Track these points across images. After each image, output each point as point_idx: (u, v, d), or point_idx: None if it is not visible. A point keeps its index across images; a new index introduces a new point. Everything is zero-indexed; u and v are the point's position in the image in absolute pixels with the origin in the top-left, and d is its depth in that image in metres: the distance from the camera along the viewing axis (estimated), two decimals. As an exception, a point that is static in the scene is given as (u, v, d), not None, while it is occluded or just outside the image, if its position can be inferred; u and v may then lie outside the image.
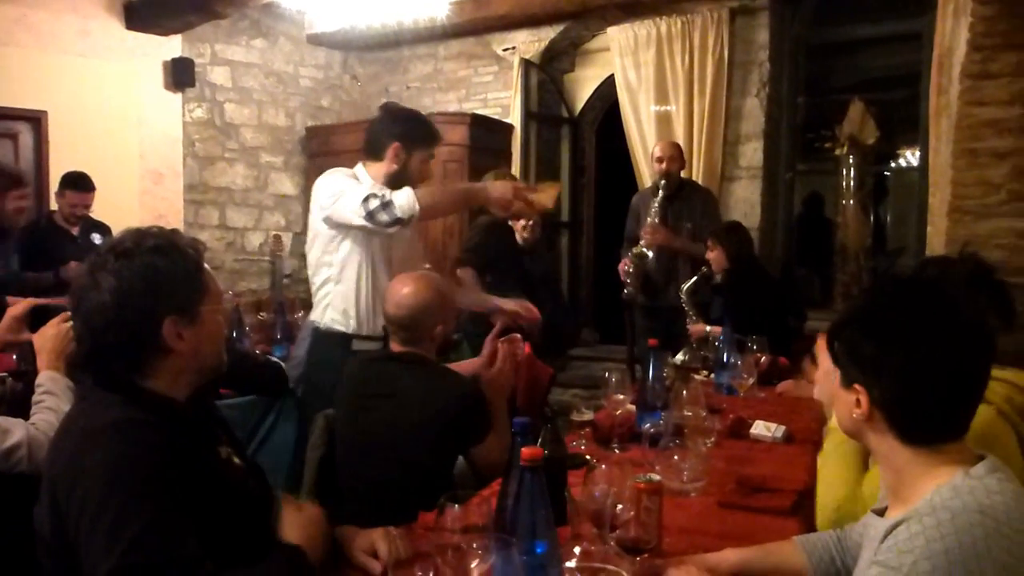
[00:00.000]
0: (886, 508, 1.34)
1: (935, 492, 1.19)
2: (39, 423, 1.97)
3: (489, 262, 4.60)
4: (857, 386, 1.30)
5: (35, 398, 2.06)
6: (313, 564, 1.48)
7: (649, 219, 4.80)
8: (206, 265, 1.59)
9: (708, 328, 4.28)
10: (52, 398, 2.02)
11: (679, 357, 4.21)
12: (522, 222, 5.29)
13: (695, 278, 4.58)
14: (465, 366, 2.86)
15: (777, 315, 4.36)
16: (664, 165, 4.84)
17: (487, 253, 4.60)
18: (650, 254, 4.75)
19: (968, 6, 2.91)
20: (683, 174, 5.16)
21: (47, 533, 1.40)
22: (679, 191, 4.90)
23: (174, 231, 1.58)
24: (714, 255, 4.45)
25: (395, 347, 2.46)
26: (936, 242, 3.61)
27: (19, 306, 2.33)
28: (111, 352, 1.47)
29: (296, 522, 1.55)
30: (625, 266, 4.85)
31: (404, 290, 2.41)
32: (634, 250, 4.81)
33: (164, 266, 1.48)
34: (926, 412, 1.26)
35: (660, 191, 4.82)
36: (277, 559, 1.44)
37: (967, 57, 2.97)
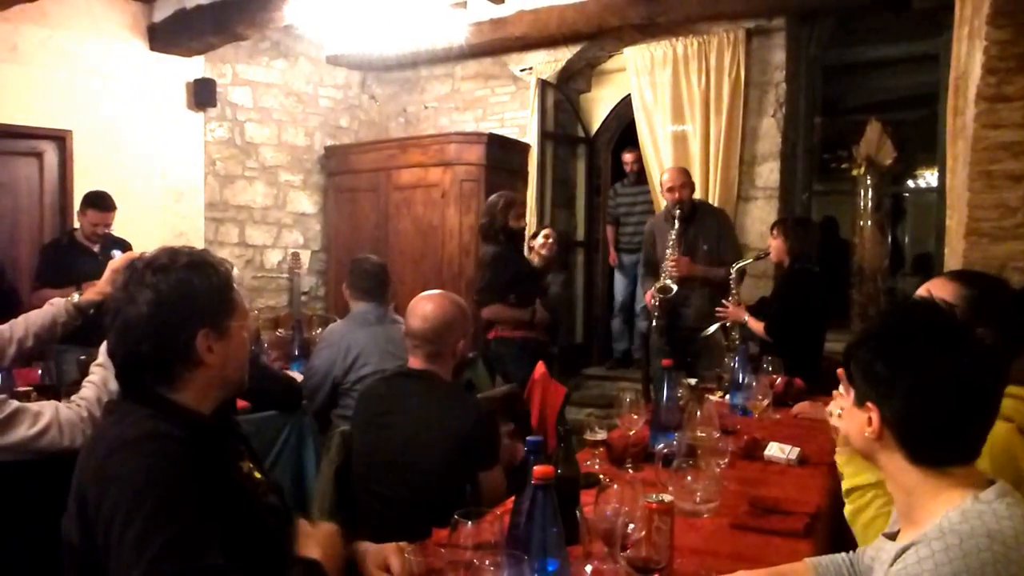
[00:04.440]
0: (898, 532, 1.35)
1: (944, 516, 1.20)
2: (76, 400, 2.06)
3: (508, 287, 4.66)
4: (869, 404, 1.32)
5: (91, 368, 2.15)
6: None
7: (669, 251, 4.81)
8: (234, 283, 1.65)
9: (746, 316, 4.32)
10: (101, 373, 2.10)
11: (711, 329, 4.49)
12: (539, 240, 5.36)
13: (750, 260, 4.68)
14: None
15: (814, 327, 4.33)
16: (676, 194, 4.83)
17: (502, 282, 4.65)
18: (674, 287, 4.78)
19: (983, 29, 2.92)
20: (699, 195, 5.18)
21: (75, 543, 1.43)
22: (692, 214, 4.89)
23: (204, 250, 1.64)
24: (776, 244, 4.44)
25: (414, 363, 2.49)
26: (953, 264, 3.59)
27: (120, 259, 2.41)
28: (145, 364, 1.52)
29: (314, 539, 1.60)
30: (652, 299, 4.88)
31: (428, 305, 2.47)
32: (658, 284, 4.84)
33: (198, 281, 1.54)
34: (935, 433, 1.26)
35: (676, 220, 4.82)
36: (297, 572, 1.47)
37: (982, 80, 2.97)
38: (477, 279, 4.91)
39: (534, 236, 5.62)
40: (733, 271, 4.56)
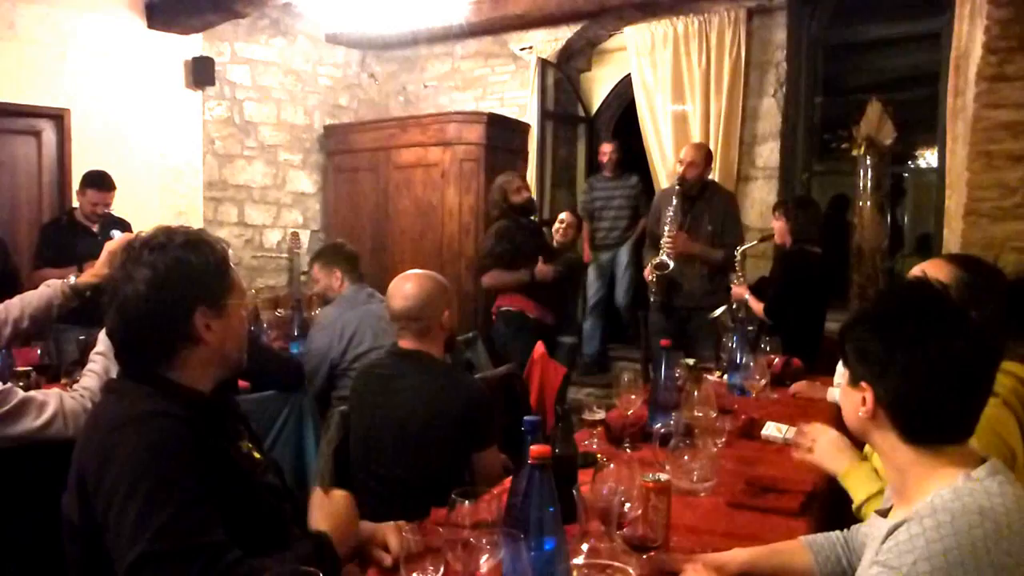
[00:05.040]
0: (890, 508, 1.36)
1: (936, 494, 1.21)
2: (79, 390, 2.07)
3: (511, 259, 4.70)
4: (863, 384, 1.33)
5: (90, 356, 2.16)
6: (338, 552, 1.52)
7: (667, 228, 4.77)
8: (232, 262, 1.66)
9: (747, 295, 4.35)
10: (102, 362, 2.11)
11: (717, 311, 4.52)
12: (555, 226, 5.33)
13: (754, 242, 4.70)
14: None
15: (813, 308, 4.34)
16: (683, 169, 4.79)
17: (505, 253, 4.70)
18: (671, 263, 4.74)
19: (984, 9, 2.91)
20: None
21: (75, 521, 1.45)
22: (701, 193, 4.84)
23: (201, 230, 1.66)
24: (777, 226, 4.44)
25: (405, 344, 2.50)
26: (952, 244, 3.60)
27: (116, 241, 2.41)
28: (143, 342, 1.53)
29: (324, 510, 1.60)
30: (649, 275, 4.87)
31: (406, 284, 2.52)
32: (654, 260, 4.81)
33: (195, 259, 1.55)
34: (928, 412, 1.27)
35: (675, 199, 4.79)
36: (304, 547, 1.48)
37: (983, 60, 2.97)
38: (481, 247, 4.95)
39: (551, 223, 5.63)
40: (737, 254, 4.55)
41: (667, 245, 4.73)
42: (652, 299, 4.93)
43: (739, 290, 4.46)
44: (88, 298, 2.49)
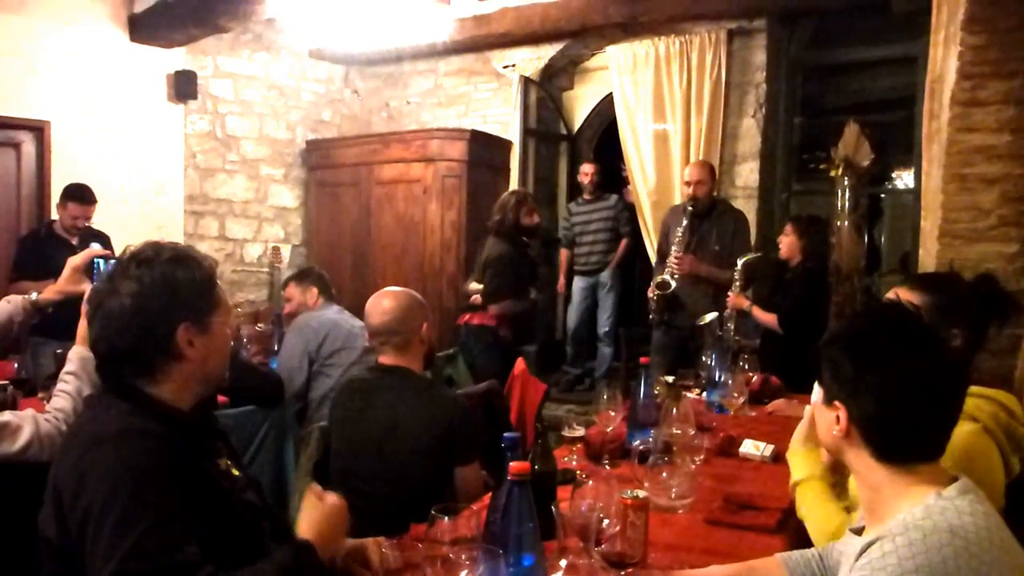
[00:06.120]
0: (863, 527, 1.38)
1: (907, 512, 1.23)
2: (52, 413, 2.02)
3: (517, 288, 4.75)
4: (837, 403, 1.35)
5: (61, 376, 2.10)
6: (322, 562, 1.49)
7: (674, 248, 4.76)
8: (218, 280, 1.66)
9: (747, 304, 4.38)
10: (74, 382, 2.05)
11: (708, 317, 4.49)
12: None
13: (756, 254, 4.73)
14: None
15: (823, 324, 4.36)
16: (691, 189, 4.78)
17: (510, 285, 4.72)
18: (673, 283, 4.74)
19: (958, 35, 2.96)
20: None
21: (52, 537, 1.44)
22: (710, 211, 4.84)
23: (189, 246, 1.66)
24: (787, 240, 4.52)
25: (385, 360, 2.51)
26: (927, 265, 3.64)
27: (79, 256, 2.38)
28: (126, 356, 1.53)
29: (313, 517, 1.57)
30: (651, 293, 4.87)
31: (383, 300, 2.55)
32: (656, 280, 4.81)
33: (182, 275, 1.55)
34: (900, 431, 1.30)
35: (684, 218, 4.79)
36: (284, 554, 1.46)
37: (957, 85, 3.02)
38: (481, 276, 4.85)
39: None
40: (739, 264, 4.58)
41: (673, 265, 4.75)
42: (652, 318, 4.94)
43: (737, 300, 4.49)
44: (50, 314, 2.45)
